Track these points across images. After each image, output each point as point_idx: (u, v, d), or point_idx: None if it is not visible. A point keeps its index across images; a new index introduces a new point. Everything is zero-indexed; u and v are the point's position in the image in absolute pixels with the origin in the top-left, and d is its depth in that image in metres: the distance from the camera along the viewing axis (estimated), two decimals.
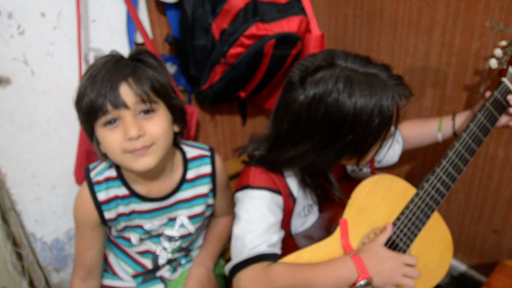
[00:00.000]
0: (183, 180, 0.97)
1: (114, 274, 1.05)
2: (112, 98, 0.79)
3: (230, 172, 1.28)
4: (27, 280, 1.18)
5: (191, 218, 1.00)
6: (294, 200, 0.90)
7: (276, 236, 0.83)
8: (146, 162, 0.83)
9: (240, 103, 1.41)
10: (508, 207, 1.24)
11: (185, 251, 1.06)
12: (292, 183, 0.90)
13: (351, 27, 1.43)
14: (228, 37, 1.11)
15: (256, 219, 0.83)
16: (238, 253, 0.82)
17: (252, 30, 1.09)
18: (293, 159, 0.83)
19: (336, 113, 0.75)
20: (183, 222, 1.00)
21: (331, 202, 0.92)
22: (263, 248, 0.81)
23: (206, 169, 1.00)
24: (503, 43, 0.94)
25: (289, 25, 1.12)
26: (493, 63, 0.95)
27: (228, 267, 0.83)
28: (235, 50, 1.11)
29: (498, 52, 0.94)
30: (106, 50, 1.09)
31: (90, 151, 1.05)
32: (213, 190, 1.02)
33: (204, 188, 1.00)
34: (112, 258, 1.06)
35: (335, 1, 1.44)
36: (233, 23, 1.11)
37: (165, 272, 1.06)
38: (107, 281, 1.05)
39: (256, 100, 1.40)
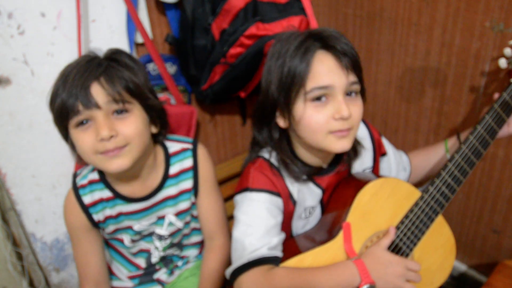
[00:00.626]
0: (166, 177, 0.96)
1: (112, 274, 1.06)
2: (83, 98, 0.77)
3: (230, 172, 1.28)
4: (27, 280, 1.18)
5: (178, 214, 0.99)
6: (294, 202, 0.89)
7: (276, 239, 0.83)
8: (119, 163, 0.81)
9: (240, 103, 1.41)
10: (508, 207, 1.24)
11: (177, 246, 1.05)
12: (292, 185, 0.89)
13: (351, 27, 1.42)
14: (228, 37, 1.11)
15: (255, 221, 0.82)
16: (238, 257, 0.82)
17: (252, 30, 1.09)
18: (253, 116, 0.89)
19: (264, 70, 0.85)
20: (170, 220, 0.98)
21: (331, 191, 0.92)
22: (263, 251, 0.80)
23: (188, 162, 0.97)
24: None
25: (294, 25, 1.12)
26: (503, 62, 0.92)
27: (229, 271, 0.82)
28: (235, 50, 1.11)
29: (508, 51, 0.91)
30: None
31: None
32: (196, 187, 0.98)
33: (187, 183, 0.97)
34: (108, 258, 1.06)
35: (335, 1, 1.44)
36: (233, 23, 1.11)
37: (162, 275, 1.06)
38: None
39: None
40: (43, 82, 1.03)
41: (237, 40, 1.10)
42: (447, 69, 1.22)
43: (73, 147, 0.86)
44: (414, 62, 1.29)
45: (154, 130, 0.91)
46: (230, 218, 1.09)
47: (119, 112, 0.81)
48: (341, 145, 0.81)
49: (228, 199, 1.12)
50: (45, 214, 1.13)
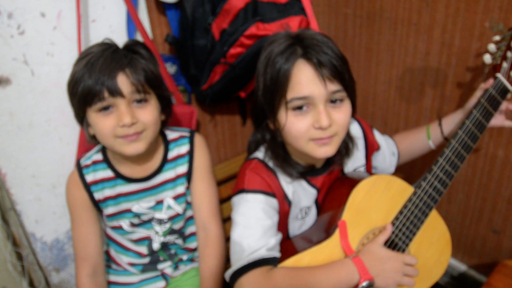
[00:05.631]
0: (165, 161, 1.01)
1: (118, 265, 1.07)
2: (110, 86, 0.84)
3: (230, 172, 1.28)
4: (27, 280, 1.18)
5: (176, 198, 1.02)
6: (289, 203, 0.90)
7: (274, 239, 0.83)
8: (136, 147, 0.89)
9: (240, 103, 1.41)
10: (508, 207, 1.24)
11: (179, 234, 1.06)
12: (287, 186, 0.90)
13: (351, 27, 1.43)
14: (228, 37, 1.11)
15: (253, 223, 0.83)
16: (237, 259, 0.82)
17: (252, 30, 1.09)
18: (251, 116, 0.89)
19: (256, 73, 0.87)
20: (169, 204, 1.02)
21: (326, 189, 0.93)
22: (262, 253, 0.80)
23: (185, 148, 1.03)
24: (497, 38, 0.94)
25: (289, 25, 1.12)
26: (487, 58, 0.94)
27: (228, 273, 0.82)
28: (235, 50, 1.11)
29: (492, 47, 0.94)
30: None
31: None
32: (190, 172, 1.02)
33: (183, 167, 1.02)
34: (113, 252, 1.07)
35: (335, 1, 1.44)
36: (233, 23, 1.11)
37: (167, 268, 1.07)
38: (112, 277, 1.06)
39: None
40: (43, 82, 1.03)
41: (237, 40, 1.10)
42: (447, 69, 1.22)
43: (86, 127, 0.92)
44: (414, 62, 1.29)
45: (162, 117, 0.97)
46: (228, 219, 1.09)
47: (139, 101, 0.89)
48: (324, 152, 0.82)
49: (228, 199, 1.12)
50: (45, 214, 1.13)
